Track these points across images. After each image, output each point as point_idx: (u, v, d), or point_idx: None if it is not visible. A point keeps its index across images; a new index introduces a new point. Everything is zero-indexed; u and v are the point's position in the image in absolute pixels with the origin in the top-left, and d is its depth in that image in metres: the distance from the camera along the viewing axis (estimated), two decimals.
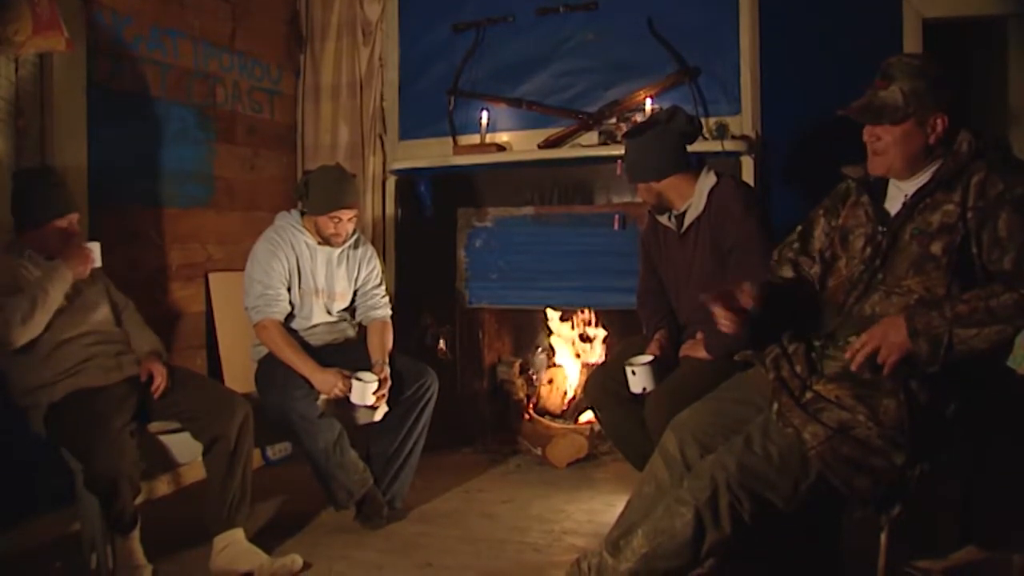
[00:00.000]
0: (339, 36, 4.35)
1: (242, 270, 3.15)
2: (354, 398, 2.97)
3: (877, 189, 2.08)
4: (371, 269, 3.33)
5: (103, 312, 2.80)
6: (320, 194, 3.08)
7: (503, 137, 4.12)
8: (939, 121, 1.92)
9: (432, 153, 4.22)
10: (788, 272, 2.23)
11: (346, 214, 3.10)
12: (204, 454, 2.72)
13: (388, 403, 3.09)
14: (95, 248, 2.69)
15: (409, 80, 4.36)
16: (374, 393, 2.98)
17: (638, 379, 2.74)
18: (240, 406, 2.74)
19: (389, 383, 3.06)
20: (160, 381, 2.71)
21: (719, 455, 1.96)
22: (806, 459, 1.88)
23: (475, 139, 4.07)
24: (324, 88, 4.37)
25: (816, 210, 2.25)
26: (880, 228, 2.01)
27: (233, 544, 2.65)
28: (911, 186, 2.00)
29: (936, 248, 1.89)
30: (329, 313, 3.23)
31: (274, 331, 3.02)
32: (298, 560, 2.68)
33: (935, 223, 1.91)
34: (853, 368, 1.90)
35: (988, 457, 2.56)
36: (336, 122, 4.36)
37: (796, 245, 2.24)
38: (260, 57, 4.16)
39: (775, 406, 1.98)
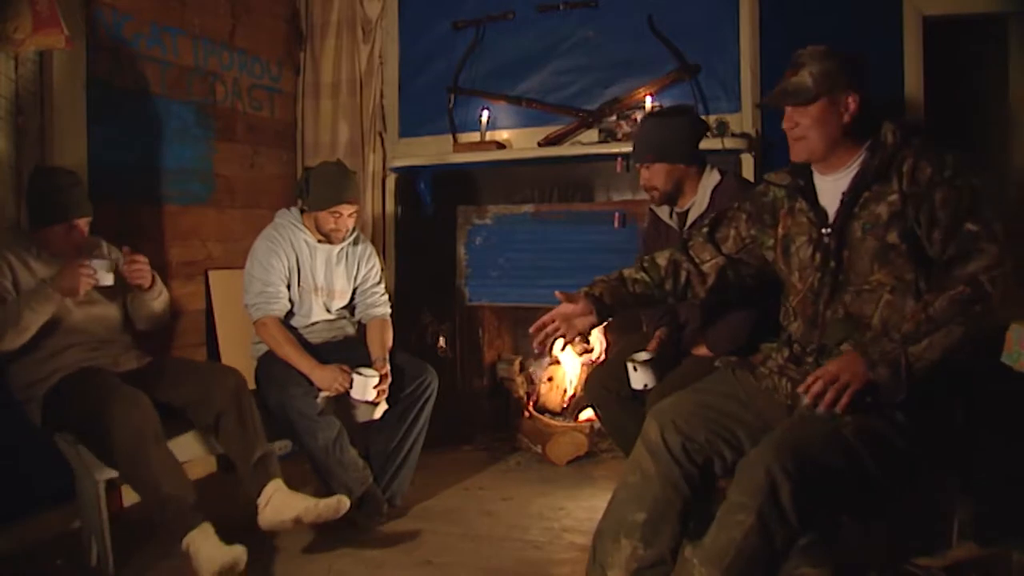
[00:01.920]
0: (339, 33, 4.35)
1: (242, 268, 3.15)
2: (355, 393, 2.97)
3: (809, 192, 2.10)
4: (370, 267, 3.33)
5: (111, 317, 2.82)
6: (321, 189, 3.08)
7: (503, 135, 4.12)
8: (851, 100, 1.97)
9: (432, 151, 4.22)
10: (662, 260, 2.29)
11: (346, 209, 3.10)
12: (216, 435, 2.73)
13: (388, 400, 3.10)
14: (99, 265, 2.58)
15: (409, 77, 4.36)
16: (374, 388, 2.98)
17: (639, 375, 2.75)
18: (228, 376, 2.76)
19: (389, 379, 3.06)
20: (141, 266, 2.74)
21: (762, 449, 1.86)
22: (841, 435, 1.85)
23: (475, 137, 4.07)
24: (324, 86, 4.37)
25: (735, 209, 2.28)
26: (824, 230, 2.04)
27: (276, 494, 2.67)
28: (842, 180, 2.02)
29: (893, 237, 1.92)
30: (328, 311, 3.23)
31: (274, 328, 3.03)
32: (344, 501, 2.71)
33: (884, 214, 1.94)
34: (807, 400, 1.88)
35: (988, 454, 2.57)
36: (336, 120, 4.35)
37: (706, 230, 2.29)
38: (260, 54, 4.16)
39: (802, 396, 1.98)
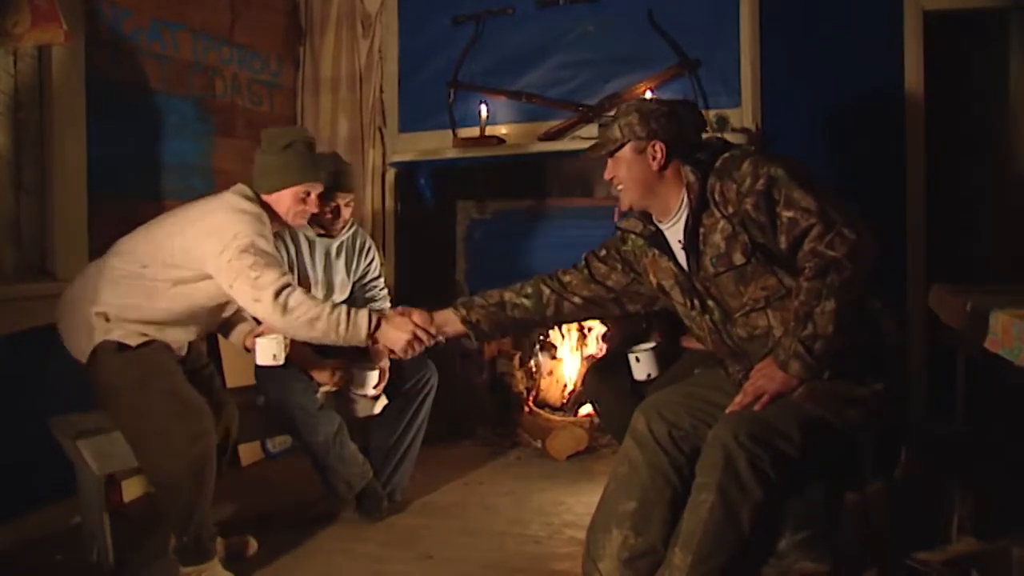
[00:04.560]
0: (338, 28, 4.34)
1: None
2: (354, 388, 2.97)
3: (662, 241, 2.18)
4: (369, 261, 3.33)
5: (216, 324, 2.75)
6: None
7: (503, 130, 4.10)
8: (657, 148, 2.09)
9: (432, 146, 4.21)
10: (547, 290, 2.38)
11: (342, 198, 3.10)
12: None
13: (388, 395, 3.10)
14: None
15: (409, 73, 4.35)
16: (374, 382, 2.98)
17: (642, 365, 2.76)
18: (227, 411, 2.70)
19: (388, 374, 3.06)
20: None
21: (717, 428, 1.93)
22: (794, 402, 1.92)
23: (475, 132, 4.06)
24: (323, 81, 4.36)
25: (606, 255, 2.37)
26: (682, 278, 2.14)
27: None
28: (676, 227, 2.13)
29: (738, 258, 2.01)
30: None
31: None
32: (252, 543, 2.72)
33: (721, 242, 2.03)
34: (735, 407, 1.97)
35: (987, 449, 2.57)
36: (336, 115, 4.35)
37: (585, 271, 2.38)
38: (259, 49, 4.15)
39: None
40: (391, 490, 3.12)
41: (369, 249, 3.34)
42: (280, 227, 2.71)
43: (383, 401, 3.09)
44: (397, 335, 2.41)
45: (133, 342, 2.41)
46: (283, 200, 2.63)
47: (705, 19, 3.73)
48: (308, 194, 2.66)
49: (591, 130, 3.89)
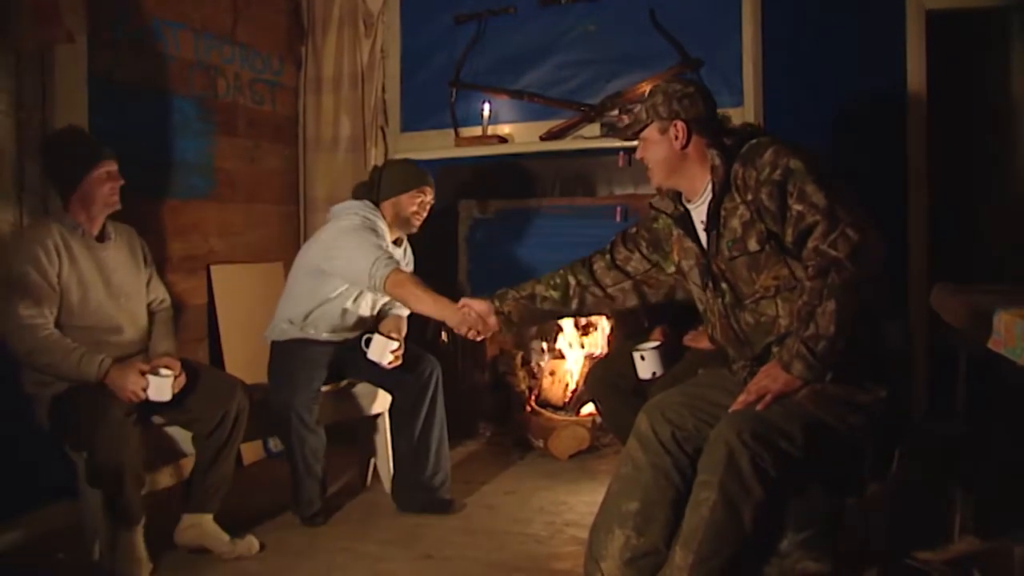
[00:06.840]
0: (340, 28, 4.34)
1: (242, 262, 3.14)
2: (372, 355, 3.01)
3: (687, 222, 2.21)
4: (409, 271, 3.34)
5: (139, 316, 2.81)
6: (401, 175, 3.16)
7: (505, 129, 4.11)
8: (678, 127, 2.12)
9: (434, 145, 4.22)
10: (572, 279, 2.44)
11: (429, 193, 3.16)
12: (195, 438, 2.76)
13: (393, 396, 3.16)
14: (156, 382, 2.54)
15: (411, 72, 4.35)
16: (392, 351, 3.01)
17: (647, 364, 2.77)
18: (235, 396, 2.73)
19: (402, 347, 3.07)
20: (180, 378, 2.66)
21: (721, 426, 1.93)
22: (797, 402, 1.93)
23: (477, 131, 4.07)
24: (325, 80, 4.36)
25: (635, 234, 2.43)
26: (703, 259, 2.16)
27: (201, 525, 2.71)
28: (700, 208, 2.16)
29: (752, 244, 2.03)
30: (372, 309, 3.21)
31: (406, 277, 2.89)
32: (255, 543, 2.75)
33: (738, 227, 2.05)
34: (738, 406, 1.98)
35: (989, 448, 2.57)
36: (338, 114, 4.35)
37: (608, 256, 2.45)
38: (261, 49, 4.15)
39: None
40: (437, 487, 3.11)
41: (410, 261, 3.35)
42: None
43: (387, 398, 3.12)
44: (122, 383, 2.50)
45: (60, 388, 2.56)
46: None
47: (707, 18, 3.73)
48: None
49: (593, 129, 3.90)
